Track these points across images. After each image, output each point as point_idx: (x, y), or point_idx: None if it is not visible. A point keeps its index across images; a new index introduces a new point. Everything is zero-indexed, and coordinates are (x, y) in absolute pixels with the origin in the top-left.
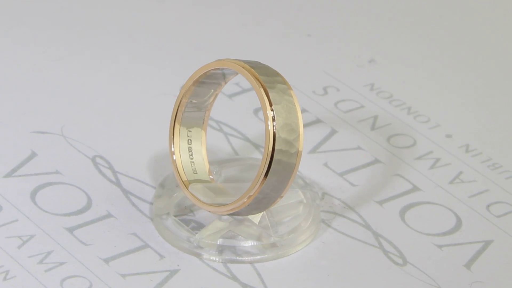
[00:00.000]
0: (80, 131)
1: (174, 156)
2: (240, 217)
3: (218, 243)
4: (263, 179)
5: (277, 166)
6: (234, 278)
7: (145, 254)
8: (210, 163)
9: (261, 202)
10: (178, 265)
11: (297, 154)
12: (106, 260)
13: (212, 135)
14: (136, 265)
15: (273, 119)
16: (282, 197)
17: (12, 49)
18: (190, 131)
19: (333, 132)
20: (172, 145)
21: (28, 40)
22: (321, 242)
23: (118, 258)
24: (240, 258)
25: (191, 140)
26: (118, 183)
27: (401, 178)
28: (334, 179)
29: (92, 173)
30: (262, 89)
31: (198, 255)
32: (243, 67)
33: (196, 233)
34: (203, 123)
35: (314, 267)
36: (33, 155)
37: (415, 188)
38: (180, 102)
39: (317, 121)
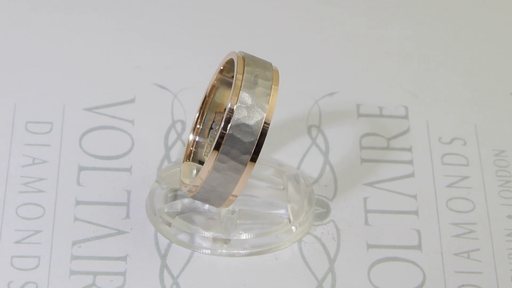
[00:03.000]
0: None
1: (191, 135)
2: (206, 205)
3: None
4: (207, 173)
5: (222, 163)
6: (163, 256)
7: (118, 210)
8: None
9: (210, 194)
10: (131, 229)
11: (248, 159)
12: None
13: None
14: (102, 215)
15: (231, 113)
16: (235, 196)
17: None
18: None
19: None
20: (195, 124)
21: None
22: (274, 257)
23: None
24: (179, 238)
25: (216, 124)
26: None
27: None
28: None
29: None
30: (237, 84)
31: (155, 225)
32: (239, 58)
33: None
34: None
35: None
36: None
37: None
38: (212, 86)
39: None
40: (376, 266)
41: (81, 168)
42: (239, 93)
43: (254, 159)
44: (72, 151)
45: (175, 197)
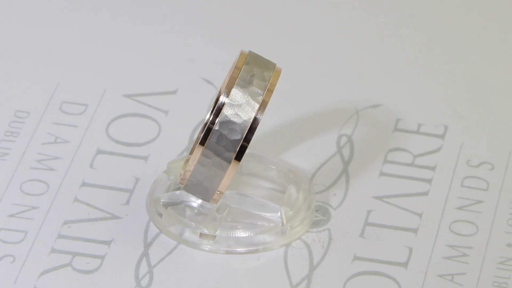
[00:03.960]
0: None
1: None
2: (199, 200)
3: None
4: (192, 167)
5: (207, 158)
6: (147, 244)
7: (120, 196)
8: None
9: (198, 188)
10: (126, 215)
11: (232, 158)
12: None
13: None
14: (102, 199)
15: (220, 108)
16: (221, 193)
17: None
18: None
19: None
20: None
21: None
22: (257, 258)
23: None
24: (169, 230)
25: None
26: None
27: None
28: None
29: None
30: (230, 80)
31: (149, 214)
32: (241, 55)
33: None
34: None
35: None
36: None
37: None
38: (231, 76)
39: None
40: (355, 279)
41: (99, 152)
42: (231, 89)
43: (238, 158)
44: (96, 134)
45: (178, 189)
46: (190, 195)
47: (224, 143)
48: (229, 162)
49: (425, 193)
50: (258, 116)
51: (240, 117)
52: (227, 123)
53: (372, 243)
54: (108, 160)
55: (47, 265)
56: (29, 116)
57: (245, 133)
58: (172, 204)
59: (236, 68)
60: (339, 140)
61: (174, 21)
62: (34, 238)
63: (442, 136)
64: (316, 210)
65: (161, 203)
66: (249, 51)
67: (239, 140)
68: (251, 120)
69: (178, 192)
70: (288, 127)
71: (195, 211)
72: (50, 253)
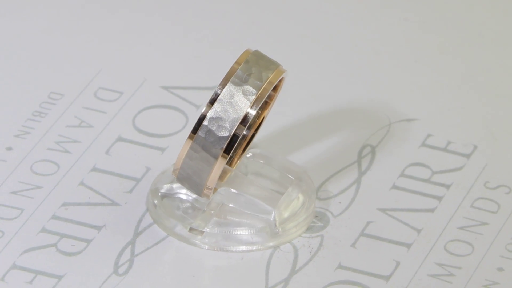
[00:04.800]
0: None
1: None
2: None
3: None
4: (181, 161)
5: (195, 152)
6: (137, 233)
7: (127, 183)
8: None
9: (188, 182)
10: (125, 203)
11: (219, 154)
12: None
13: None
14: (108, 185)
15: (211, 103)
16: (210, 189)
17: None
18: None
19: None
20: None
21: None
22: (241, 257)
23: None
24: (161, 221)
25: None
26: None
27: None
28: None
29: None
30: (226, 77)
31: (147, 203)
32: (245, 53)
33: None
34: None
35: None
36: None
37: None
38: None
39: None
40: (331, 287)
41: (119, 139)
42: (225, 86)
43: (225, 155)
44: (122, 122)
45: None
46: (186, 188)
47: (211, 138)
48: (216, 158)
49: (431, 210)
50: (249, 115)
51: (230, 114)
52: (216, 119)
53: (361, 254)
54: (126, 148)
55: (32, 244)
56: (61, 99)
57: (233, 131)
58: (169, 195)
59: (235, 66)
60: (362, 149)
61: (229, 20)
62: (29, 216)
63: (468, 156)
64: (316, 216)
65: (159, 194)
66: (255, 50)
67: (227, 137)
68: (240, 119)
69: (175, 185)
70: (317, 130)
71: (189, 204)
72: (39, 232)
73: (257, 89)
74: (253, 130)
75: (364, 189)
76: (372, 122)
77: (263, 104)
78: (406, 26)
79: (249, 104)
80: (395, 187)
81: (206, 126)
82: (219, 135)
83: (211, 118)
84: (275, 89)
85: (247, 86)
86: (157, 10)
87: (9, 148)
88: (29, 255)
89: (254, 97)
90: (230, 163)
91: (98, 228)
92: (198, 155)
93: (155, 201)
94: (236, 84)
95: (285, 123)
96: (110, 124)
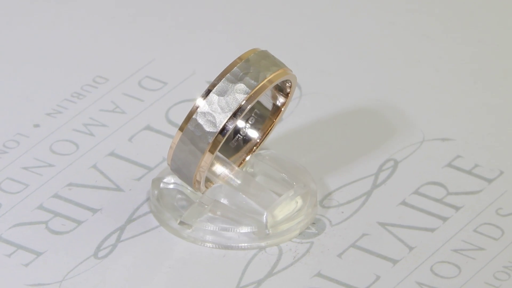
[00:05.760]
0: None
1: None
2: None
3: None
4: (173, 151)
5: (184, 145)
6: (129, 220)
7: (138, 171)
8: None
9: (179, 173)
10: (129, 190)
11: (205, 149)
12: None
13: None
14: (118, 171)
15: (204, 96)
16: (199, 182)
17: None
18: (258, 111)
19: None
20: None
21: None
22: (223, 255)
23: None
24: (156, 210)
25: (253, 119)
26: None
27: None
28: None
29: None
30: (223, 72)
31: (150, 192)
32: (250, 51)
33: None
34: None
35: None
36: None
37: None
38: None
39: None
40: None
41: (147, 128)
42: (219, 82)
43: (212, 151)
44: (156, 111)
45: None
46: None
47: (199, 133)
48: (203, 152)
49: (432, 230)
50: (239, 113)
51: (219, 110)
52: (206, 113)
53: (344, 265)
54: (150, 137)
55: (24, 219)
56: (105, 83)
57: (219, 129)
58: (169, 187)
59: (234, 63)
60: (385, 163)
61: (283, 21)
62: (30, 192)
63: (490, 181)
64: (313, 223)
65: (160, 184)
66: (261, 50)
67: (214, 133)
68: (228, 116)
69: (175, 177)
70: (344, 136)
71: (184, 197)
72: (35, 209)
73: (251, 88)
74: (262, 136)
75: (372, 202)
76: (405, 136)
77: (274, 109)
78: (459, 47)
79: (239, 102)
80: (404, 203)
81: (196, 119)
82: (207, 130)
83: (201, 112)
84: (286, 95)
85: (241, 85)
86: (215, 8)
87: (37, 125)
88: (18, 229)
89: (245, 96)
90: (239, 163)
91: (94, 211)
92: (187, 147)
93: (155, 191)
94: (230, 81)
95: (312, 125)
96: (144, 112)
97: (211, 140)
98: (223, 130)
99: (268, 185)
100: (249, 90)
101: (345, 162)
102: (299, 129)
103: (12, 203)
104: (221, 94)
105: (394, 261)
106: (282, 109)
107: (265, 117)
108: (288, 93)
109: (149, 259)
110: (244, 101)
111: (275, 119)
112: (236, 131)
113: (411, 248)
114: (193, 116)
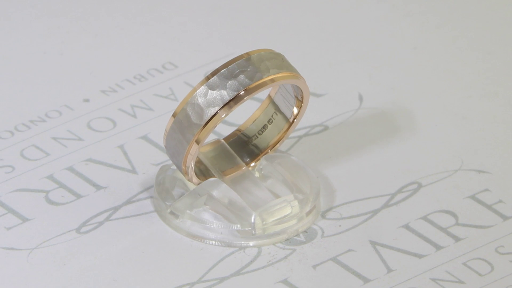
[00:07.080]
0: None
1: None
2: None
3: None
4: (165, 138)
5: (174, 133)
6: (123, 203)
7: (159, 157)
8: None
9: (172, 159)
10: (143, 173)
11: (191, 140)
12: None
13: None
14: (131, 157)
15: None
16: (186, 172)
17: None
18: (277, 114)
19: None
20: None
21: None
22: (200, 248)
23: None
24: (153, 199)
25: (272, 121)
26: None
27: None
28: None
29: None
30: (218, 68)
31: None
32: (255, 51)
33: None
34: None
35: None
36: None
37: None
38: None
39: None
40: None
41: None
42: (214, 76)
43: (197, 142)
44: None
45: None
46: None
47: (187, 123)
48: (188, 143)
49: (420, 256)
50: (224, 111)
51: (208, 105)
52: (196, 105)
53: (314, 276)
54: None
55: (28, 186)
56: (173, 70)
57: (205, 123)
58: (173, 175)
59: (236, 58)
60: (407, 185)
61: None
62: (47, 162)
63: (506, 218)
64: (305, 231)
65: (167, 171)
66: (273, 52)
67: (199, 125)
68: (215, 111)
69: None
70: (380, 154)
71: (183, 187)
72: (44, 178)
73: (244, 86)
74: (272, 145)
75: (374, 220)
76: (441, 162)
77: (290, 117)
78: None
79: (226, 100)
80: (406, 226)
81: (185, 110)
82: (194, 122)
83: (192, 103)
84: (297, 104)
85: (234, 82)
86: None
87: (86, 100)
88: (18, 194)
89: (235, 93)
90: (251, 162)
91: (99, 187)
92: (176, 136)
93: (160, 177)
94: (224, 76)
95: (353, 138)
96: (163, 107)
97: (195, 131)
98: (207, 125)
99: (270, 187)
100: (241, 88)
101: (368, 178)
102: (335, 140)
103: (25, 169)
104: (213, 88)
105: (366, 280)
106: (295, 120)
107: (284, 122)
108: (301, 101)
109: (126, 242)
110: (232, 99)
111: (289, 127)
112: (254, 131)
113: (390, 270)
114: (183, 106)
